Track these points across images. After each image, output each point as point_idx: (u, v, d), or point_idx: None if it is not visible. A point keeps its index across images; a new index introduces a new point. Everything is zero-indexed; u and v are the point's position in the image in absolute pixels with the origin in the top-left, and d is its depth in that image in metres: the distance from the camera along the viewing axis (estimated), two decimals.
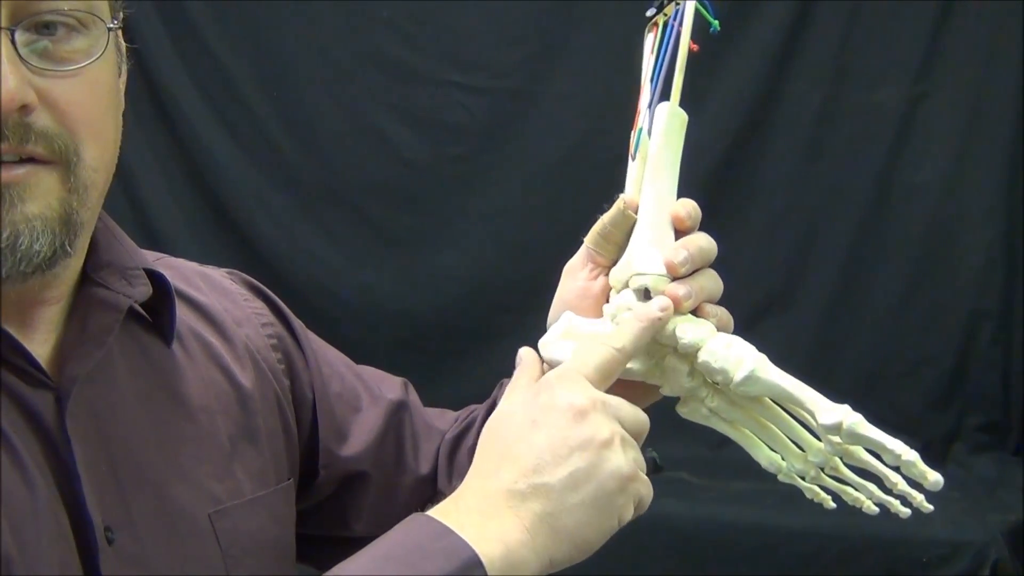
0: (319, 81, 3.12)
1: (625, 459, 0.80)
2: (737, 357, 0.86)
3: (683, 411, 0.93)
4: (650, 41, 0.95)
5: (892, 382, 2.98)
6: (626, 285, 0.91)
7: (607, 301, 0.94)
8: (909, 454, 0.83)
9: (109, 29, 0.82)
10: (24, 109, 0.77)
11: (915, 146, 2.94)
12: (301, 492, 1.04)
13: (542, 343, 0.94)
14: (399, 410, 1.11)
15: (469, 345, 3.12)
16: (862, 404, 2.91)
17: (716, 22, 0.90)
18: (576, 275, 0.96)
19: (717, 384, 0.89)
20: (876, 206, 2.97)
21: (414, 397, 1.14)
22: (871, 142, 2.97)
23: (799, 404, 0.87)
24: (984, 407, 2.97)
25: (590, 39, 2.98)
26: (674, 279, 0.88)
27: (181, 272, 1.01)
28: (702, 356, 0.87)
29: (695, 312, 0.89)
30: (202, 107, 3.14)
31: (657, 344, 0.89)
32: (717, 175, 2.95)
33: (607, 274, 0.95)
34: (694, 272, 0.89)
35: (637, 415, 0.84)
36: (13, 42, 0.76)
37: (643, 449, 1.04)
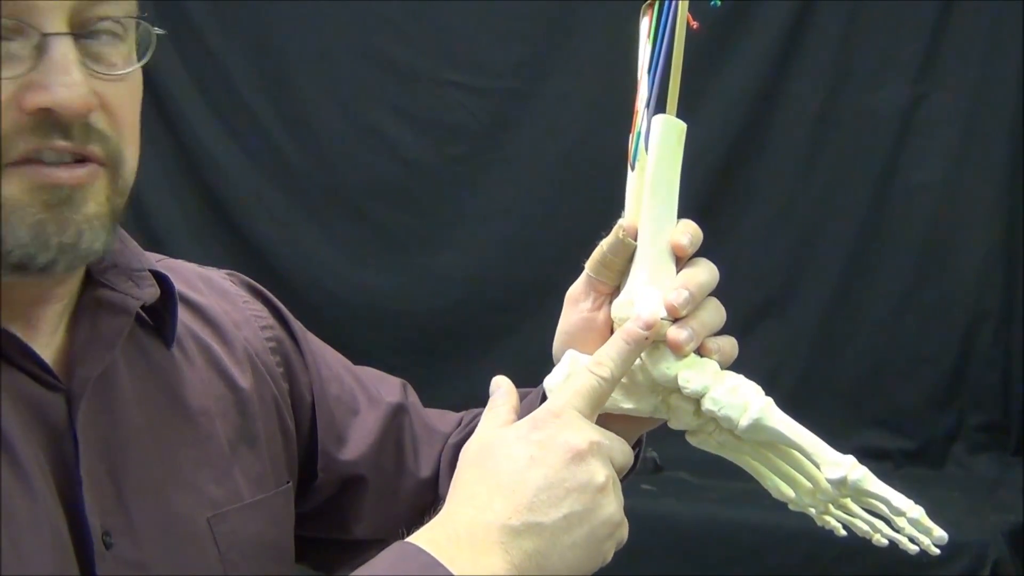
0: (319, 81, 3.12)
1: (617, 504, 0.81)
2: (742, 404, 0.86)
3: (693, 440, 0.92)
4: (645, 26, 0.90)
5: (892, 382, 2.98)
6: None
7: (611, 332, 0.91)
8: (914, 511, 0.83)
9: (156, 34, 0.85)
10: (87, 111, 0.79)
11: (915, 146, 2.95)
12: (300, 495, 1.04)
13: (548, 386, 0.92)
14: (398, 413, 1.10)
15: (469, 345, 3.12)
16: (862, 404, 2.90)
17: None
18: (578, 305, 0.94)
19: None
20: (876, 206, 2.97)
21: (413, 399, 1.14)
22: (871, 142, 2.97)
23: (804, 454, 0.87)
24: (984, 407, 2.98)
25: (590, 39, 2.98)
26: (675, 320, 0.87)
27: (181, 274, 1.01)
28: (706, 404, 0.86)
29: (698, 350, 0.88)
30: (202, 107, 3.14)
31: (660, 385, 0.88)
32: (717, 175, 2.95)
33: (610, 303, 0.93)
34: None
35: (625, 452, 0.84)
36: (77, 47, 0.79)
37: (642, 450, 1.04)
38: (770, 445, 0.89)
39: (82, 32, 0.79)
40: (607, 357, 0.85)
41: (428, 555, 0.76)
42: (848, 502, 0.90)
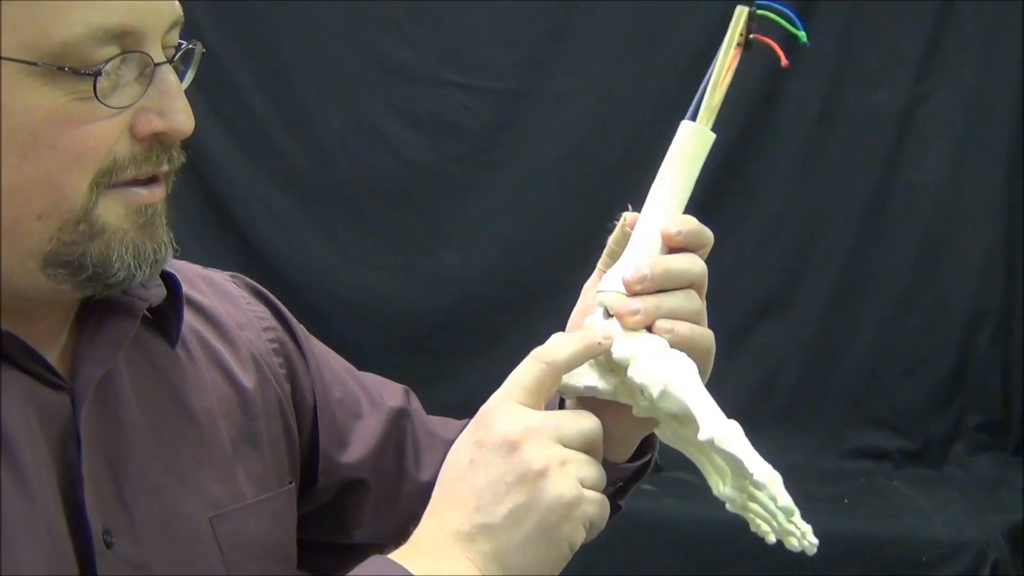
0: (319, 81, 3.12)
1: (565, 484, 0.78)
2: (656, 373, 0.81)
3: (658, 433, 0.90)
4: (733, 27, 0.91)
5: (892, 382, 2.98)
6: None
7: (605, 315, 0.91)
8: (769, 475, 0.78)
9: (201, 52, 0.87)
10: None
11: (915, 146, 2.95)
12: (301, 498, 1.04)
13: None
14: (400, 417, 1.10)
15: (469, 345, 3.12)
16: (862, 404, 2.91)
17: (803, 34, 0.85)
18: (586, 295, 0.95)
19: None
20: (876, 206, 2.97)
21: (416, 404, 1.13)
22: (871, 142, 2.97)
23: (694, 418, 0.80)
24: (984, 407, 2.98)
25: (590, 40, 2.98)
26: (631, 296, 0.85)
27: (184, 275, 1.01)
28: (629, 372, 0.83)
29: (649, 329, 0.85)
30: (202, 107, 3.13)
31: (615, 362, 0.85)
32: (717, 175, 2.95)
33: None
34: (662, 292, 0.86)
35: (581, 426, 0.81)
36: None
37: (654, 456, 1.02)
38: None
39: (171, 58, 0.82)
40: (554, 345, 0.84)
41: (397, 565, 0.77)
42: (754, 491, 0.83)
